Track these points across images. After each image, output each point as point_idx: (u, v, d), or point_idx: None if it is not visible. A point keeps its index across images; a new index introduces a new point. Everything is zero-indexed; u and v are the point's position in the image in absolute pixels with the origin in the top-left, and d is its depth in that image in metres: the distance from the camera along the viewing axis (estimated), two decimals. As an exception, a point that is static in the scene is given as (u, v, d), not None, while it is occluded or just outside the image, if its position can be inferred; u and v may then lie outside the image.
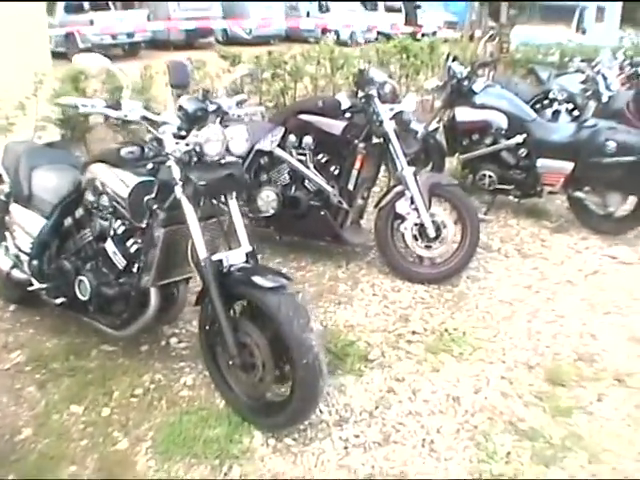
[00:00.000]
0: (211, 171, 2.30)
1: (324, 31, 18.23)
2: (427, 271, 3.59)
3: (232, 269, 2.31)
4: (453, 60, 4.85)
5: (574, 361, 2.91)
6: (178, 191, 2.31)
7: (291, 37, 18.36)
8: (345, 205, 3.59)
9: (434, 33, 7.17)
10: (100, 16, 14.44)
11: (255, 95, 5.55)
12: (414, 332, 3.10)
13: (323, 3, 19.96)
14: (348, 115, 3.50)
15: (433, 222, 3.46)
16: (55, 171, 3.01)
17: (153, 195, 2.43)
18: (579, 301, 3.47)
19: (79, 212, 2.83)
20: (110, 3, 15.34)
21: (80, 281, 2.69)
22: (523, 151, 4.57)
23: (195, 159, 2.30)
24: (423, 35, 9.02)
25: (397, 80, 7.55)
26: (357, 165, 3.48)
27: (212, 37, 17.98)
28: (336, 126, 3.45)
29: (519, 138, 4.52)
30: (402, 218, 3.48)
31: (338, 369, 2.78)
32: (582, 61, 6.56)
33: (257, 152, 3.75)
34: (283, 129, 3.67)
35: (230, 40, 18.20)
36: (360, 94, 3.49)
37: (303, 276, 3.69)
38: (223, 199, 2.44)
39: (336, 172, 3.58)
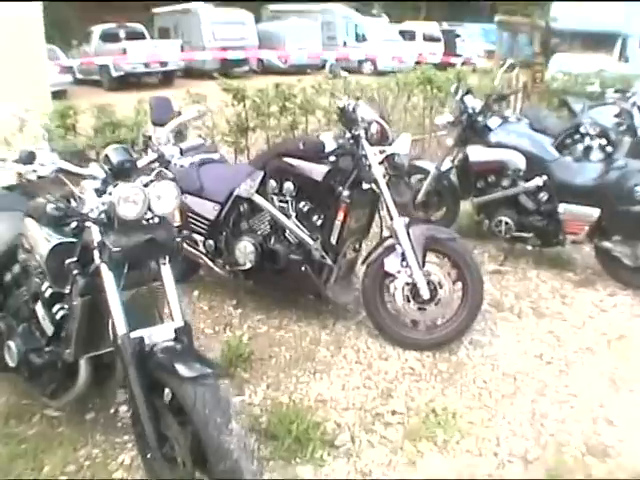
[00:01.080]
0: (131, 235, 2.05)
1: (362, 60, 18.09)
2: (421, 336, 3.18)
3: (155, 349, 2.01)
4: (466, 93, 4.45)
5: (582, 455, 2.45)
6: (96, 256, 2.03)
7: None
8: (329, 260, 3.21)
9: (463, 63, 6.79)
10: (133, 45, 14.60)
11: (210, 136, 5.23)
12: (394, 412, 2.70)
13: (359, 32, 19.82)
14: (333, 159, 3.14)
15: (428, 281, 3.06)
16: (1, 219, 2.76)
17: (75, 258, 2.15)
18: (598, 375, 3.00)
19: (16, 268, 2.58)
20: (146, 33, 15.58)
21: (8, 346, 2.44)
22: (543, 195, 4.13)
23: (116, 220, 2.01)
24: (451, 65, 8.61)
25: (421, 113, 7.21)
26: (340, 216, 3.12)
27: (247, 66, 18.03)
28: (317, 171, 3.11)
29: (539, 180, 4.09)
30: (392, 276, 3.07)
31: (296, 456, 2.41)
32: (616, 92, 6.05)
33: (236, 198, 3.43)
34: (262, 173, 3.34)
35: (266, 69, 18.31)
36: (348, 135, 3.11)
37: (282, 337, 3.34)
38: (155, 264, 2.13)
39: (319, 223, 3.24)
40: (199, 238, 3.59)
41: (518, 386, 2.90)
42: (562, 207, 4.00)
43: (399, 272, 3.06)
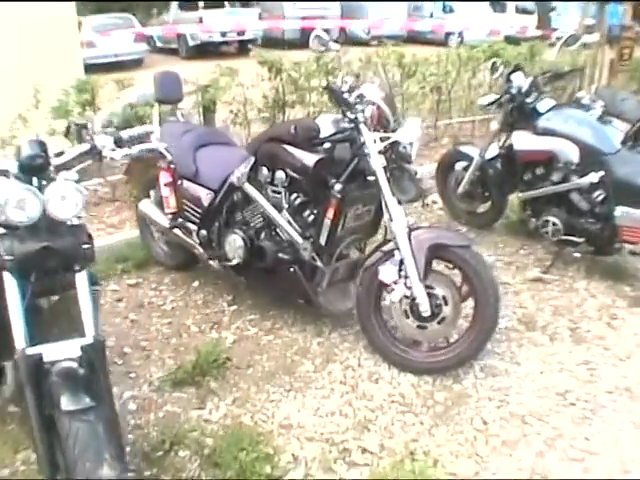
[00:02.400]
0: (25, 241, 1.80)
1: (447, 34, 17.13)
2: (420, 358, 2.73)
3: (53, 369, 1.75)
4: (515, 70, 3.83)
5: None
6: None
7: (414, 39, 17.47)
8: (319, 262, 2.79)
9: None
10: (210, 14, 14.41)
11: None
12: (365, 450, 2.29)
13: (447, 4, 18.73)
14: (327, 146, 2.69)
15: (430, 295, 2.58)
16: None
17: None
18: (632, 427, 2.43)
19: None
20: (226, 2, 15.35)
21: None
22: (599, 194, 3.49)
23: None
24: (521, 39, 7.75)
25: (487, 91, 6.54)
26: (329, 213, 2.68)
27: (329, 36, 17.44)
28: (308, 159, 2.69)
29: (594, 177, 3.45)
30: (389, 286, 2.62)
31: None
32: None
33: (230, 186, 3.07)
34: (253, 160, 2.94)
35: (348, 40, 17.69)
36: (348, 118, 2.66)
37: (268, 342, 2.99)
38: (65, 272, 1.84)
39: (310, 219, 2.81)
40: (192, 227, 3.30)
41: (525, 432, 2.38)
42: (620, 210, 3.35)
43: (396, 283, 2.60)
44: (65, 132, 2.08)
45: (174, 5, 15.95)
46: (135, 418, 2.48)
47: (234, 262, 3.04)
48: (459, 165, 4.30)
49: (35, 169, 1.85)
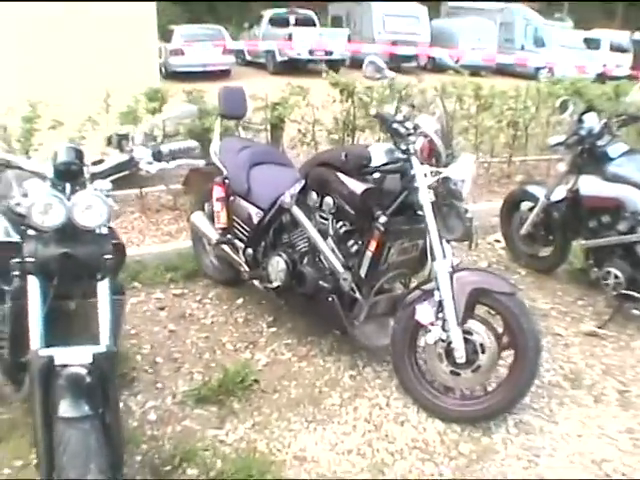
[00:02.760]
0: (49, 245, 1.85)
1: (539, 68, 16.73)
2: (451, 405, 2.61)
3: (62, 372, 1.78)
4: (588, 110, 3.65)
5: None
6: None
7: (503, 71, 17.21)
8: (358, 294, 2.73)
9: (629, 77, 5.70)
10: (299, 32, 14.68)
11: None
12: (376, 496, 2.17)
13: (539, 36, 18.29)
14: (377, 175, 2.64)
15: (467, 341, 2.47)
16: None
17: (18, 259, 1.95)
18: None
19: None
20: (316, 20, 15.59)
21: None
22: (667, 249, 3.25)
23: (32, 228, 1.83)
24: (613, 78, 7.46)
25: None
26: (372, 246, 2.62)
27: (416, 62, 17.47)
28: (355, 188, 2.65)
29: (662, 230, 3.22)
30: (425, 328, 2.53)
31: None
32: None
33: (279, 207, 3.07)
34: (302, 183, 2.93)
35: (436, 67, 17.60)
36: (402, 148, 2.60)
37: (300, 369, 2.95)
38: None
39: (354, 249, 2.76)
40: (240, 245, 3.32)
41: (551, 500, 2.22)
42: (689, 270, 3.11)
43: (433, 324, 2.50)
44: (107, 142, 2.14)
45: (265, 20, 16.36)
46: (153, 429, 2.49)
47: (275, 284, 3.03)
48: (524, 205, 4.16)
49: (68, 175, 1.91)
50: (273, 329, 3.29)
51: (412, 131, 2.57)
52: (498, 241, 4.54)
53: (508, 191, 4.63)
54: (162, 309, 3.48)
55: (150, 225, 4.55)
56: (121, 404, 2.55)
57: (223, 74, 14.18)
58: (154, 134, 2.20)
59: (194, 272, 3.85)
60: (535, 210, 3.98)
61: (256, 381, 2.78)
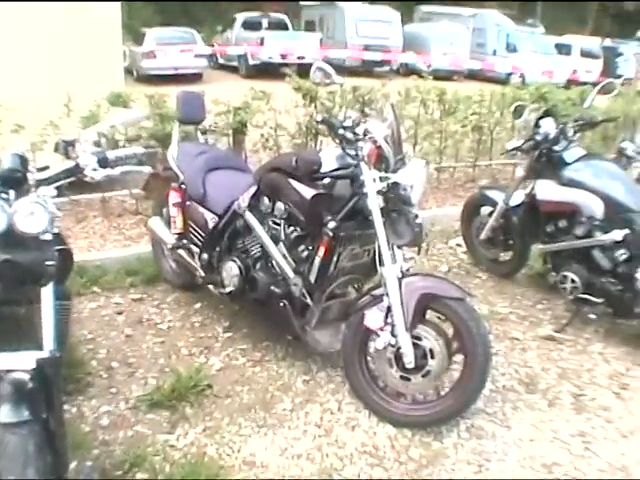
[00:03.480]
0: None
1: (510, 73, 16.93)
2: (400, 410, 2.62)
3: (6, 378, 1.74)
4: (545, 115, 3.69)
5: None
6: None
7: (475, 76, 17.38)
8: (309, 300, 2.73)
9: (596, 84, 5.79)
10: (270, 36, 14.67)
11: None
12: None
13: (511, 42, 18.50)
14: (327, 181, 2.63)
15: (416, 346, 2.47)
16: None
17: None
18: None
19: None
20: (289, 24, 15.58)
21: None
22: (622, 253, 3.32)
23: None
24: (583, 84, 7.54)
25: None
26: (320, 251, 2.61)
27: (388, 67, 17.57)
28: (305, 193, 2.65)
29: (618, 234, 3.29)
30: (375, 333, 2.52)
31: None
32: None
33: (233, 212, 3.06)
34: (256, 188, 2.92)
35: (409, 71, 17.71)
36: (351, 153, 2.60)
37: (253, 374, 2.94)
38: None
39: (304, 255, 2.75)
40: (195, 250, 3.30)
41: (497, 504, 2.23)
42: (643, 273, 3.16)
43: (382, 329, 2.50)
44: (54, 147, 2.10)
45: (238, 23, 16.31)
46: (105, 434, 2.47)
47: (228, 289, 3.03)
48: (484, 210, 4.18)
49: (12, 182, 1.89)
50: (229, 334, 3.28)
51: (361, 137, 2.57)
52: (460, 245, 4.58)
53: (469, 195, 4.65)
54: (120, 314, 3.45)
55: (112, 229, 4.51)
56: (74, 409, 2.56)
57: (195, 77, 14.11)
58: (115, 138, 2.16)
59: (154, 277, 3.84)
60: (494, 215, 4.01)
61: (209, 386, 2.77)
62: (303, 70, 9.70)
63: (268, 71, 15.12)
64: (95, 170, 2.03)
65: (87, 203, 4.72)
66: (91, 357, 2.98)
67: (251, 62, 15.05)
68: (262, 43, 14.77)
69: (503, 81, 14.74)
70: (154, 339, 3.20)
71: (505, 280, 4.13)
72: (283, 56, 14.81)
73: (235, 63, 16.09)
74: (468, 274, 4.23)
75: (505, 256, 4.18)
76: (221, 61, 16.98)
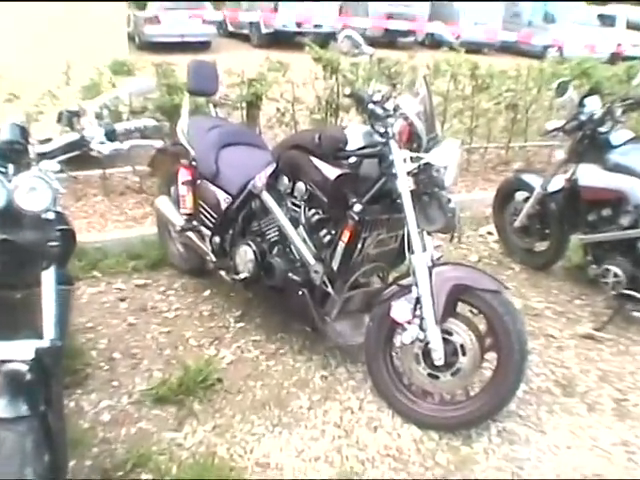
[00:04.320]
0: None
1: (547, 46, 16.67)
2: (427, 411, 2.62)
3: (2, 369, 1.73)
4: (590, 93, 3.63)
5: None
6: None
7: (507, 49, 17.19)
8: (330, 289, 2.72)
9: None
10: (284, 4, 14.55)
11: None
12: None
13: (550, 12, 18.23)
14: (353, 160, 2.61)
15: (446, 342, 2.46)
16: None
17: None
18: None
19: None
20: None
21: None
22: (672, 247, 3.25)
23: None
24: (628, 59, 7.43)
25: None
26: (345, 236, 2.60)
27: (413, 37, 17.42)
28: (328, 173, 2.63)
29: (667, 226, 3.22)
30: (401, 326, 2.51)
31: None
32: None
33: (248, 192, 3.05)
34: (274, 167, 2.90)
35: (434, 43, 17.54)
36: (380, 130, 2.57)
37: (267, 368, 2.95)
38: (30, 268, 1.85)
39: (326, 240, 2.74)
40: (206, 232, 3.31)
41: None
42: (694, 268, 3.12)
43: (409, 322, 2.48)
44: (57, 118, 2.09)
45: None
46: (105, 431, 2.48)
47: (242, 276, 3.03)
48: (519, 195, 4.15)
49: (12, 155, 1.86)
50: (241, 324, 3.29)
51: (391, 113, 2.54)
52: (491, 233, 4.55)
53: (503, 179, 4.62)
54: (123, 300, 3.46)
55: (113, 209, 4.52)
56: (72, 403, 2.56)
57: (203, 46, 14.04)
58: (119, 110, 2.15)
59: (159, 261, 3.85)
60: (530, 201, 3.97)
61: (219, 380, 2.78)
62: (319, 40, 9.73)
63: (281, 40, 15.06)
64: (102, 144, 2.02)
65: (86, 180, 4.73)
66: (91, 347, 2.99)
67: (264, 30, 14.96)
68: (276, 9, 14.66)
69: (538, 55, 14.54)
70: (159, 328, 3.21)
71: (540, 272, 4.12)
72: (298, 24, 14.68)
73: (246, 31, 16.01)
74: (500, 265, 4.21)
75: (541, 246, 4.16)
76: (231, 29, 16.90)
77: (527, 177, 4.15)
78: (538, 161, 6.19)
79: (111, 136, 2.05)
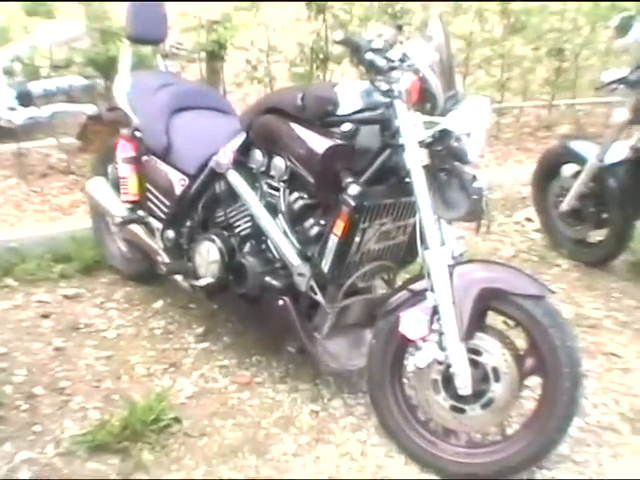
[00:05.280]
0: None
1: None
2: (453, 455, 2.62)
3: None
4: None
5: None
6: None
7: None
8: (320, 296, 2.73)
9: None
10: None
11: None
12: None
13: None
14: (348, 127, 2.61)
15: (474, 364, 2.47)
16: None
17: None
18: None
19: None
20: None
21: None
22: None
23: None
24: None
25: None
26: (338, 227, 2.60)
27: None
28: (316, 145, 2.64)
29: None
30: (414, 343, 2.53)
31: None
32: None
33: (210, 172, 3.08)
34: (244, 137, 2.92)
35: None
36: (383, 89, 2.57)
37: (241, 402, 2.96)
38: None
39: (314, 232, 2.76)
40: (157, 224, 3.33)
41: None
42: None
43: (425, 340, 2.49)
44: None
45: None
46: (25, 494, 2.48)
47: (204, 281, 3.03)
48: (567, 169, 4.21)
49: None
50: (204, 345, 3.32)
51: (397, 64, 2.53)
52: (530, 220, 4.59)
53: (546, 149, 4.65)
54: (46, 317, 3.49)
55: (32, 196, 4.53)
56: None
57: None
58: (36, 64, 2.15)
59: (95, 264, 3.90)
60: (582, 176, 4.03)
61: (176, 420, 2.78)
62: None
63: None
64: (13, 110, 2.02)
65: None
66: (4, 380, 3.00)
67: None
68: None
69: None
70: (96, 353, 3.22)
71: (597, 270, 4.19)
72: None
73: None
74: (543, 261, 4.26)
75: (597, 235, 4.23)
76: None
77: (577, 145, 4.20)
78: (592, 123, 6.24)
79: (25, 99, 2.05)
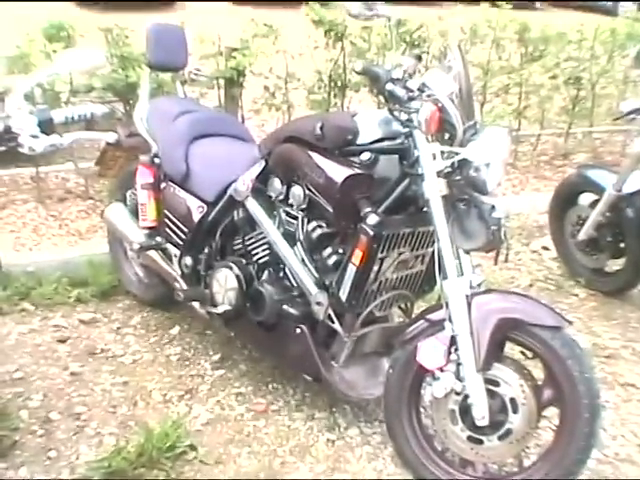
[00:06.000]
0: None
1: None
2: (470, 486, 2.61)
3: None
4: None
5: None
6: None
7: (568, 4, 17.22)
8: (337, 325, 2.75)
9: None
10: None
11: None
12: None
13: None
14: (367, 157, 2.64)
15: (491, 394, 2.48)
16: None
17: None
18: None
19: None
20: None
21: None
22: None
23: None
24: None
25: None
26: (357, 256, 2.62)
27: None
28: (334, 174, 2.66)
29: None
30: (431, 374, 2.54)
31: None
32: None
33: (229, 199, 3.10)
34: (262, 165, 2.94)
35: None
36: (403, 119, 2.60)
37: (257, 430, 2.97)
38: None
39: (332, 261, 2.77)
40: (174, 251, 3.34)
41: None
42: None
43: (442, 370, 2.50)
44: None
45: None
46: (40, 519, 2.49)
47: (222, 309, 3.05)
48: (584, 198, 4.22)
49: None
50: (220, 372, 3.32)
51: (416, 94, 2.56)
52: (547, 249, 4.58)
53: (563, 177, 4.66)
54: (63, 342, 3.50)
55: (50, 220, 4.56)
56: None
57: (167, 2, 14.10)
58: (57, 90, 2.18)
59: (111, 289, 3.91)
60: (600, 205, 4.03)
61: (192, 447, 2.79)
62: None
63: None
64: (35, 137, 2.04)
65: (13, 181, 4.77)
66: (20, 405, 3.01)
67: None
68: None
69: (609, 11, 14.62)
70: (113, 379, 3.24)
71: (614, 299, 4.18)
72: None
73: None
74: (559, 290, 4.25)
75: (614, 265, 4.23)
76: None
77: (595, 174, 4.20)
78: (609, 152, 6.24)
79: (47, 127, 2.07)
